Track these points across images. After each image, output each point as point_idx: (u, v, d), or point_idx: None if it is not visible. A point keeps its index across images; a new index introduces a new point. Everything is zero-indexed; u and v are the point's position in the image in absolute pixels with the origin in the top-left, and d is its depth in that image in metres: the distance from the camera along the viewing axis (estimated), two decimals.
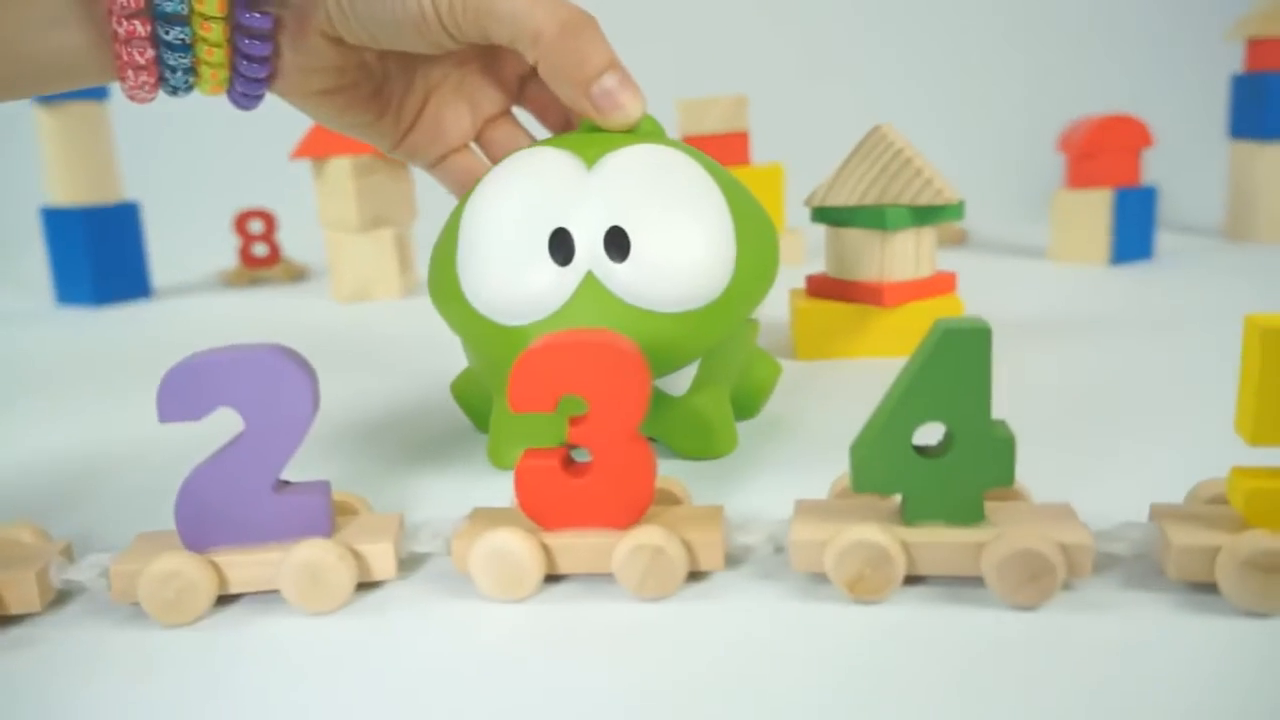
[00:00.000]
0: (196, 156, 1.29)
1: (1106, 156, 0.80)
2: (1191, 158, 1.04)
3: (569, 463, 0.30)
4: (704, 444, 0.40)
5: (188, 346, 0.31)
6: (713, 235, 0.36)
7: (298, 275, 1.01)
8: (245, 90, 0.37)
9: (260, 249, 1.00)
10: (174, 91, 0.37)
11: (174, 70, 0.36)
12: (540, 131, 0.43)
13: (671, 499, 0.32)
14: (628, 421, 0.29)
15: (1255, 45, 0.89)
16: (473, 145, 0.43)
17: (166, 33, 0.34)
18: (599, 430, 0.29)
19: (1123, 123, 0.80)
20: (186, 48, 0.35)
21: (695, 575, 0.30)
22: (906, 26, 1.28)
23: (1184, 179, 1.04)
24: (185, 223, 1.12)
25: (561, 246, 0.35)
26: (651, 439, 0.38)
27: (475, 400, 0.44)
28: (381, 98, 0.40)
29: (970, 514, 0.28)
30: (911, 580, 0.29)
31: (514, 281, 0.35)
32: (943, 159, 0.81)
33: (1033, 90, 1.16)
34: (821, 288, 0.57)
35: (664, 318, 0.35)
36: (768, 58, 1.27)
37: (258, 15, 0.35)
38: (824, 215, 0.55)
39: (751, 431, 0.43)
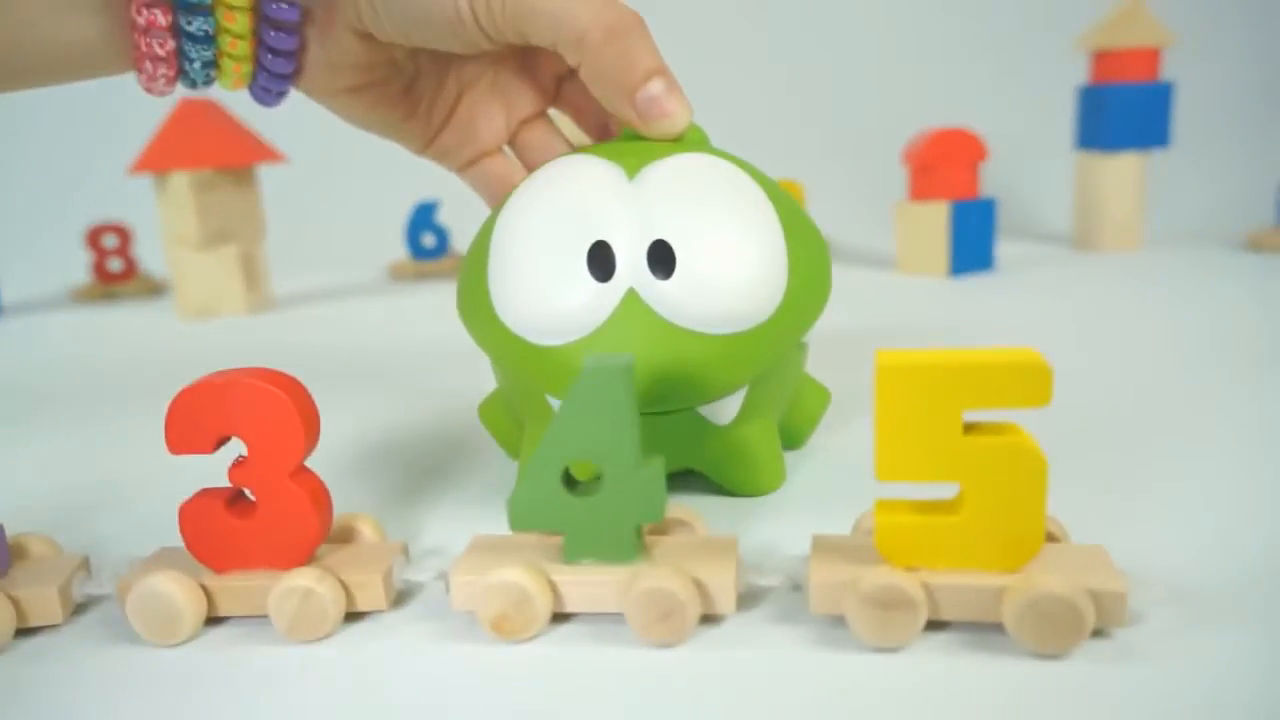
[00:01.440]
0: (45, 170, 1.26)
1: (944, 169, 0.81)
2: (1042, 167, 1.06)
3: (235, 502, 0.30)
4: (750, 479, 0.36)
5: (31, 365, 0.30)
6: (763, 251, 0.33)
7: (155, 290, 0.99)
8: (268, 85, 0.36)
9: (115, 264, 0.98)
10: (193, 85, 0.35)
11: (194, 62, 0.34)
12: (576, 134, 0.42)
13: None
14: (285, 462, 0.28)
15: (1099, 57, 0.91)
16: (506, 149, 0.41)
17: (189, 23, 0.33)
18: (257, 471, 0.29)
19: (959, 136, 0.81)
20: (209, 39, 0.34)
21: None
22: (752, 36, 1.29)
23: (1035, 188, 1.07)
24: (35, 238, 1.10)
25: (601, 261, 0.33)
26: (693, 471, 0.37)
27: (505, 425, 0.41)
28: (411, 96, 0.38)
29: (624, 552, 0.28)
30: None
31: (550, 298, 0.32)
32: (796, 168, 0.81)
33: (887, 101, 1.18)
34: None
35: (710, 339, 0.32)
36: None
37: (285, 6, 0.34)
38: None
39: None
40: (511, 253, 0.34)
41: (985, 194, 0.85)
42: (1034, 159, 1.05)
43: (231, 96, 0.74)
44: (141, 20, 0.32)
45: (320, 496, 0.29)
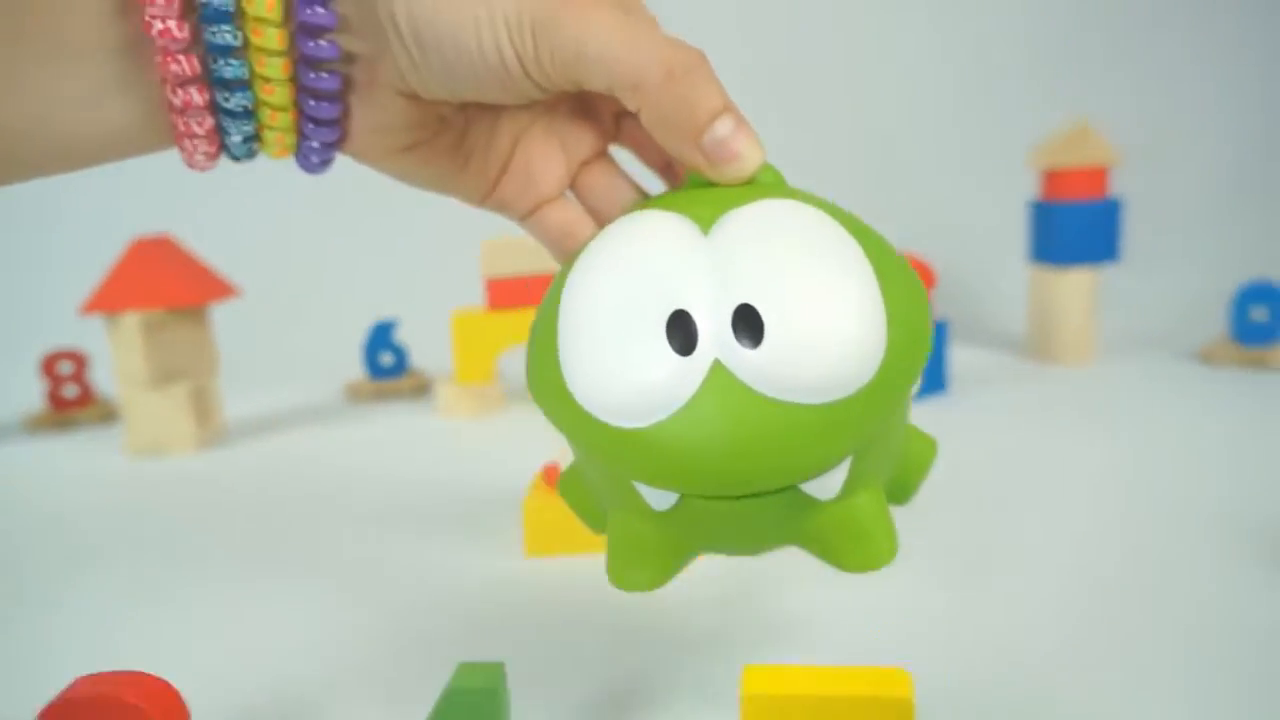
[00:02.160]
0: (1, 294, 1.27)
1: None
2: (1002, 279, 1.07)
3: None
4: (863, 555, 0.33)
5: None
6: (860, 306, 0.29)
7: (111, 416, 0.98)
8: (313, 155, 0.35)
9: (71, 390, 0.98)
10: (236, 159, 0.35)
11: (234, 137, 0.33)
12: (639, 171, 0.40)
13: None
14: None
15: (1049, 175, 0.92)
16: (569, 195, 0.39)
17: (226, 100, 0.32)
18: None
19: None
20: (249, 114, 0.33)
21: None
22: None
23: (992, 299, 1.07)
24: None
25: (681, 331, 0.29)
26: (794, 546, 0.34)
27: (585, 499, 0.37)
28: (464, 149, 0.37)
29: None
30: None
31: (627, 377, 0.29)
32: None
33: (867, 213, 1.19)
34: (553, 478, 0.56)
35: (810, 410, 0.29)
36: None
37: (325, 75, 0.33)
38: None
39: None
40: (582, 326, 0.31)
41: (937, 316, 0.85)
42: (993, 270, 1.06)
43: (192, 232, 0.74)
44: (178, 101, 0.32)
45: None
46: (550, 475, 0.57)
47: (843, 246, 0.30)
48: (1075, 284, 0.92)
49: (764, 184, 0.33)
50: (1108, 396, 0.77)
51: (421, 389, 1.00)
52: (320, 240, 0.90)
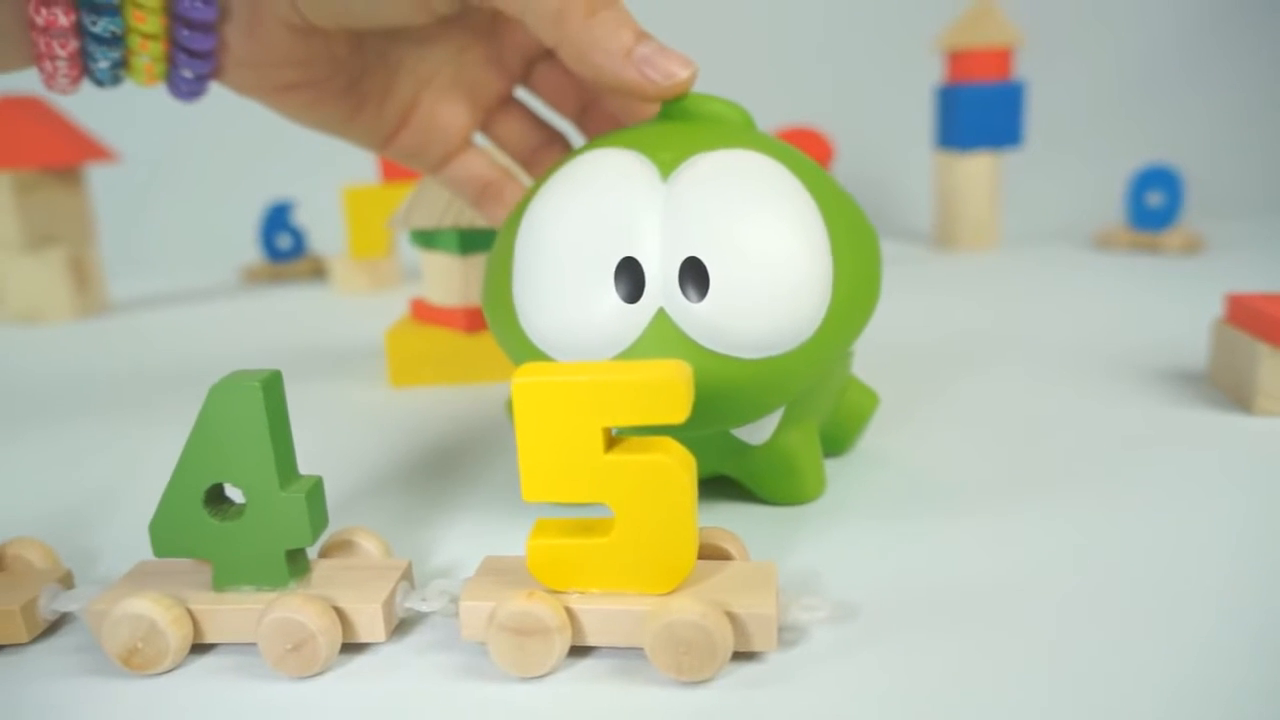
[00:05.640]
0: None
1: None
2: (908, 166, 1.07)
3: None
4: (790, 489, 0.35)
5: None
6: (807, 268, 0.30)
7: None
8: (184, 86, 0.33)
9: None
10: (100, 84, 0.32)
11: (100, 63, 0.31)
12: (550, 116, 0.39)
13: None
14: None
15: (954, 57, 0.91)
16: (480, 141, 0.38)
17: (93, 24, 0.30)
18: None
19: (804, 135, 0.81)
20: (117, 40, 0.31)
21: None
22: None
23: (899, 188, 1.07)
24: None
25: (629, 278, 0.30)
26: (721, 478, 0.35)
27: None
28: (357, 93, 0.35)
29: (275, 577, 0.27)
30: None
31: (574, 318, 0.30)
32: None
33: (745, 101, 1.18)
34: (420, 313, 0.55)
35: (745, 364, 0.29)
36: None
37: (200, 4, 0.31)
38: (415, 237, 0.54)
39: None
40: (535, 264, 0.31)
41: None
42: (899, 157, 1.06)
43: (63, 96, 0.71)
44: (40, 20, 0.30)
45: None
46: (417, 309, 0.56)
47: (798, 205, 0.30)
48: (977, 169, 0.92)
49: (731, 126, 0.33)
50: (1007, 280, 0.78)
51: (320, 271, 0.98)
52: (214, 119, 0.87)
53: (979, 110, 0.90)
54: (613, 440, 0.25)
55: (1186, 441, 0.40)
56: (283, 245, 0.98)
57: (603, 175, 0.31)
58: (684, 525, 0.25)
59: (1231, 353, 0.45)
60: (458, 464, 0.41)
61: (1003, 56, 0.90)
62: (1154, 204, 0.88)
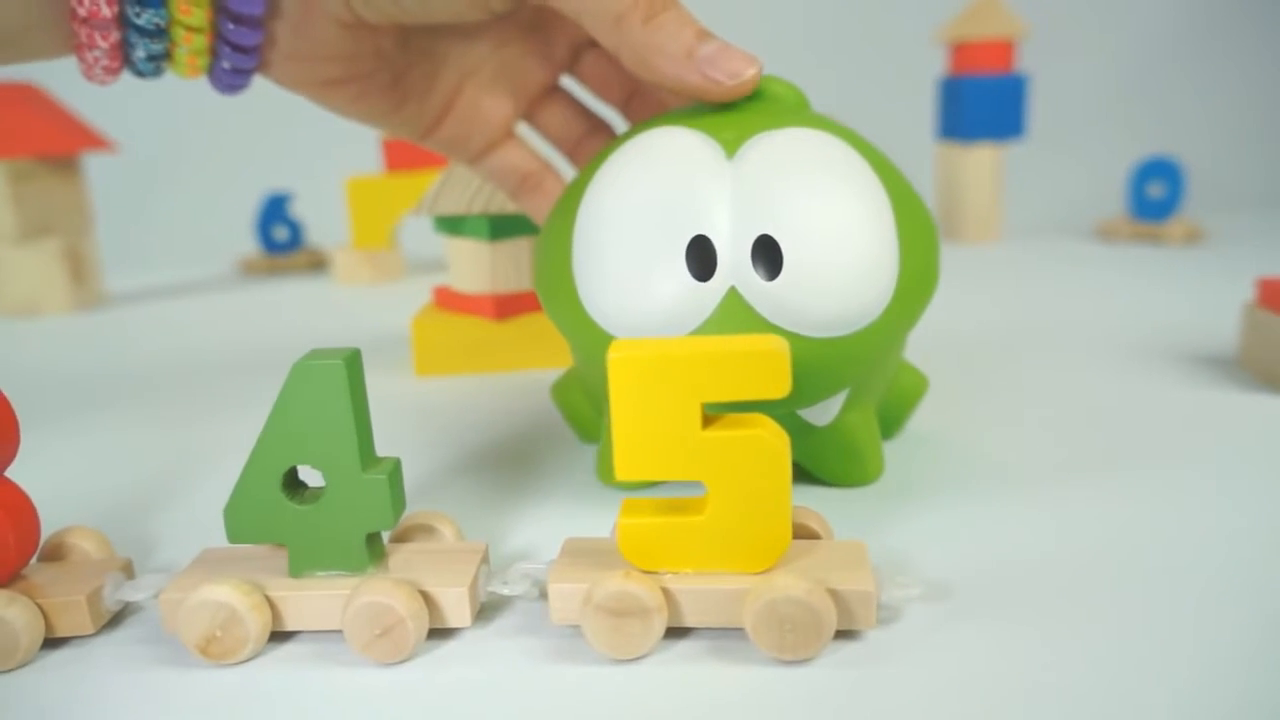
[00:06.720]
0: None
1: None
2: (909, 158, 1.07)
3: None
4: (852, 470, 0.34)
5: None
6: (877, 248, 0.30)
7: None
8: (227, 79, 0.32)
9: None
10: (140, 75, 0.31)
11: (141, 55, 0.30)
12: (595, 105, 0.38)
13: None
14: None
15: (957, 49, 0.92)
16: (519, 133, 0.38)
17: (137, 15, 0.29)
18: None
19: None
20: (161, 32, 0.30)
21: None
22: None
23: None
24: None
25: (700, 257, 0.29)
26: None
27: (580, 406, 0.38)
28: (401, 87, 0.35)
29: (354, 561, 0.26)
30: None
31: (642, 296, 0.29)
32: None
33: None
34: (445, 301, 0.54)
35: (815, 343, 0.29)
36: None
37: None
38: (441, 224, 0.53)
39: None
40: (600, 241, 0.30)
41: None
42: (902, 149, 1.06)
43: (59, 79, 0.69)
44: (82, 10, 0.29)
45: (16, 510, 0.26)
46: (441, 296, 0.55)
47: (866, 183, 0.30)
48: (980, 161, 0.92)
49: (788, 105, 0.33)
50: (1012, 270, 0.78)
51: (317, 264, 0.97)
52: (213, 110, 0.86)
53: (982, 102, 0.91)
54: (707, 418, 0.25)
55: (1232, 422, 0.40)
56: (279, 237, 0.96)
57: (667, 154, 0.31)
58: (780, 503, 0.24)
59: (1263, 335, 0.46)
60: (508, 450, 0.40)
61: (1005, 49, 0.90)
62: (1155, 195, 0.89)
